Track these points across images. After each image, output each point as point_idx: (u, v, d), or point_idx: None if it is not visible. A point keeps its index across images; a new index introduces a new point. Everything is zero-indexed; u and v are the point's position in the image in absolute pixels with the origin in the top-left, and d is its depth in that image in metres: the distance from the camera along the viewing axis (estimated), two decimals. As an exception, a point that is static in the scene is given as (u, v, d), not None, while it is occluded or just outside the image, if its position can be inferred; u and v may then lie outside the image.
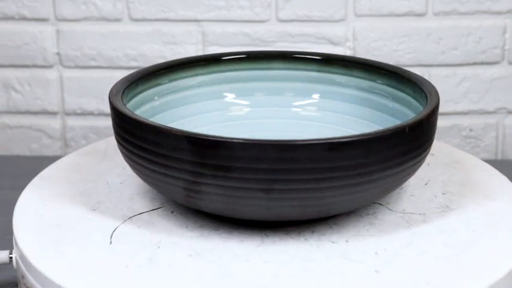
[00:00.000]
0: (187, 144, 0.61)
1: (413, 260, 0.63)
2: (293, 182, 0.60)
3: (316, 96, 0.82)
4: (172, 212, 0.70)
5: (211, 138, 0.60)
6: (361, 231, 0.67)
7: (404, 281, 0.60)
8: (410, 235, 0.66)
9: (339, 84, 0.81)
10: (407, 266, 0.62)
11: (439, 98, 0.69)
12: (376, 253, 0.63)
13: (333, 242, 0.65)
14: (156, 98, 0.78)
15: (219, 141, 0.60)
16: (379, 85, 0.78)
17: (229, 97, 0.82)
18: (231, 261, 0.62)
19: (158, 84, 0.78)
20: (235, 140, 0.60)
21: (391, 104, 0.76)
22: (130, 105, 0.73)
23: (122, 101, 0.69)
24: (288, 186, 0.60)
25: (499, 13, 1.12)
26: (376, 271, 0.61)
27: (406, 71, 0.76)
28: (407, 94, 0.74)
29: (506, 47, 1.13)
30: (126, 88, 0.72)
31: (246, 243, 0.65)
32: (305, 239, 0.65)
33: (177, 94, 0.80)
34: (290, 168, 0.60)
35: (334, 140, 0.60)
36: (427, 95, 0.70)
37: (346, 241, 0.65)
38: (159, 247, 0.64)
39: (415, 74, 0.75)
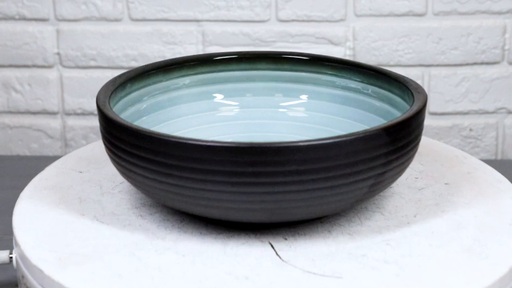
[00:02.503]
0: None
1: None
2: None
3: (304, 96, 0.82)
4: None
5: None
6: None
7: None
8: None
9: (327, 84, 0.81)
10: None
11: (426, 98, 0.69)
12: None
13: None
14: (145, 98, 0.77)
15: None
16: (366, 85, 0.78)
17: (218, 98, 0.82)
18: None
19: (147, 85, 0.78)
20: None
21: (378, 103, 0.77)
22: (118, 106, 0.72)
23: (109, 104, 0.69)
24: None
25: (499, 13, 1.12)
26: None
27: (392, 72, 0.76)
28: (395, 94, 0.75)
29: (506, 47, 1.13)
30: (114, 90, 0.72)
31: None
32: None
33: (166, 95, 0.79)
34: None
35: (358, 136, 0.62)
36: (414, 94, 0.70)
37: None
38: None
39: (401, 75, 0.75)
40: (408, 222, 0.68)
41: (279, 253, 0.63)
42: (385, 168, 0.64)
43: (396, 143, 0.64)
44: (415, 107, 0.67)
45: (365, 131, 0.62)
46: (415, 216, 0.70)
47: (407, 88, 0.72)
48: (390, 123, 0.64)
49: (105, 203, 0.71)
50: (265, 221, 0.64)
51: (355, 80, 0.79)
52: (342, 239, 0.65)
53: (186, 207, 0.65)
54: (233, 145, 0.60)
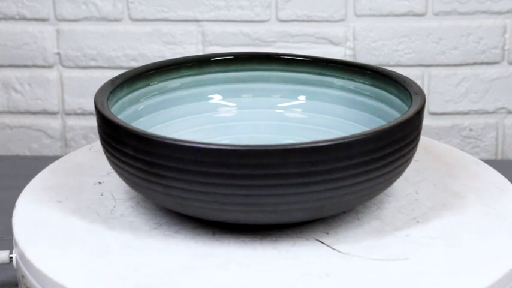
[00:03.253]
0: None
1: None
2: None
3: (302, 97, 0.82)
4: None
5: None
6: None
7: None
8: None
9: (325, 85, 0.81)
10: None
11: (424, 97, 0.69)
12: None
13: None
14: (142, 99, 0.77)
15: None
16: (365, 86, 0.78)
17: (216, 99, 0.82)
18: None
19: (145, 86, 0.77)
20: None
21: (377, 104, 0.77)
22: (115, 107, 0.72)
23: (108, 105, 0.68)
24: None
25: (499, 13, 1.12)
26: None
27: (392, 71, 0.76)
28: (393, 95, 0.75)
29: (506, 47, 1.13)
30: (111, 91, 0.72)
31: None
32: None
33: (164, 96, 0.79)
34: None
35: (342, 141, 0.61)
36: (413, 95, 0.70)
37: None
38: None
39: (401, 74, 0.75)
40: (416, 200, 0.71)
41: (333, 247, 0.64)
42: (406, 158, 0.66)
43: (405, 139, 0.65)
44: (417, 105, 0.68)
45: (389, 125, 0.63)
46: (417, 193, 0.73)
47: (406, 89, 0.72)
48: (404, 117, 0.65)
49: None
50: (316, 218, 0.65)
51: (353, 81, 0.79)
52: (375, 224, 0.68)
53: (223, 215, 0.63)
54: (283, 148, 0.59)
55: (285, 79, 0.82)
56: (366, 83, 0.78)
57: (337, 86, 0.80)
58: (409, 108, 0.68)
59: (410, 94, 0.71)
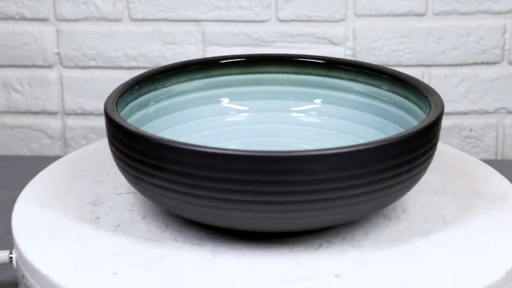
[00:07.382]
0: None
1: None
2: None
3: (317, 101, 0.80)
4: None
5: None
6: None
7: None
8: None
9: (341, 89, 0.79)
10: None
11: (443, 106, 0.68)
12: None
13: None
14: (151, 103, 0.76)
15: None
16: (383, 91, 0.76)
17: (226, 102, 0.80)
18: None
19: (154, 89, 0.76)
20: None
21: (395, 110, 0.75)
22: (124, 112, 0.71)
23: (117, 109, 0.68)
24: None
25: (499, 13, 1.12)
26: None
27: (411, 77, 0.74)
28: (411, 101, 0.73)
29: (506, 47, 1.13)
30: (121, 95, 0.71)
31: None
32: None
33: (173, 99, 0.78)
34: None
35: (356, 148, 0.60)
36: (431, 102, 0.69)
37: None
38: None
39: (420, 80, 0.74)
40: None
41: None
42: (422, 166, 0.65)
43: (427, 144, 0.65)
44: (435, 114, 0.67)
45: (404, 133, 0.62)
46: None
47: (423, 95, 0.71)
48: (426, 123, 0.64)
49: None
50: (330, 225, 0.65)
51: (370, 85, 0.77)
52: (387, 224, 0.68)
53: (238, 222, 0.62)
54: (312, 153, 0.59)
55: (298, 82, 0.80)
56: (383, 87, 0.76)
57: (354, 90, 0.78)
58: (429, 112, 0.67)
59: (429, 102, 0.69)
